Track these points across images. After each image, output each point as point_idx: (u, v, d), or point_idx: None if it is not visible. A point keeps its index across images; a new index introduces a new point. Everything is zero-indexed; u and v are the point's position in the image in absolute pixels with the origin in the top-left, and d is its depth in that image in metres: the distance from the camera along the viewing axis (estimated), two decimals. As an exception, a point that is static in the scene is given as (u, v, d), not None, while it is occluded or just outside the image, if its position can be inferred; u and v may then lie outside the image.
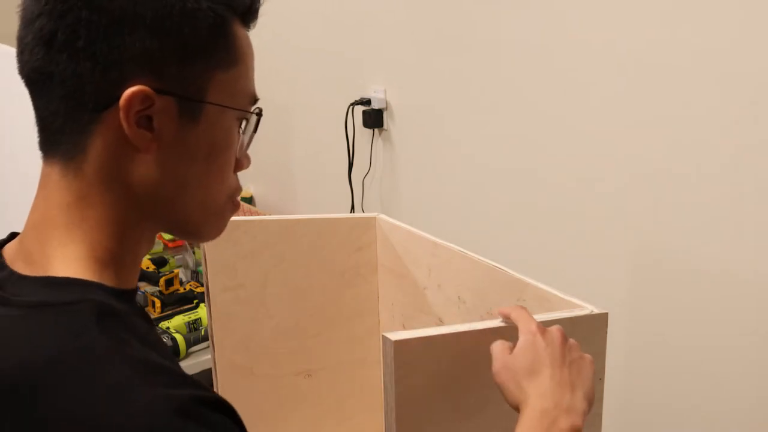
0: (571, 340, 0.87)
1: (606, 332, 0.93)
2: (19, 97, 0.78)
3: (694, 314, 1.54)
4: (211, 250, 1.25)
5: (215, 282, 1.26)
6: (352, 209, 2.33)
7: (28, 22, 0.68)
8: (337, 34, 2.32)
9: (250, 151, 0.79)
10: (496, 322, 0.89)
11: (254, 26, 0.74)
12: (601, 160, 1.64)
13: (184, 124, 0.69)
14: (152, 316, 2.45)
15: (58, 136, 0.69)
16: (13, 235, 0.77)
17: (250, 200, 2.88)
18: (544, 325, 0.86)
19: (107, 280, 0.70)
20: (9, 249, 0.75)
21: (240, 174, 0.79)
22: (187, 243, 2.85)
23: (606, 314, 0.92)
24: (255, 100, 0.75)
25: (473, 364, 0.86)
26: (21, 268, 0.71)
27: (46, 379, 0.61)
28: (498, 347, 0.86)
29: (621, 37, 1.55)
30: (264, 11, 0.76)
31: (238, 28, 0.72)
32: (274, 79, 2.66)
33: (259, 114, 0.76)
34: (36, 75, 0.68)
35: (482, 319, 1.12)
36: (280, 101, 2.65)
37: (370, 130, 2.23)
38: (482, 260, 1.12)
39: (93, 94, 0.67)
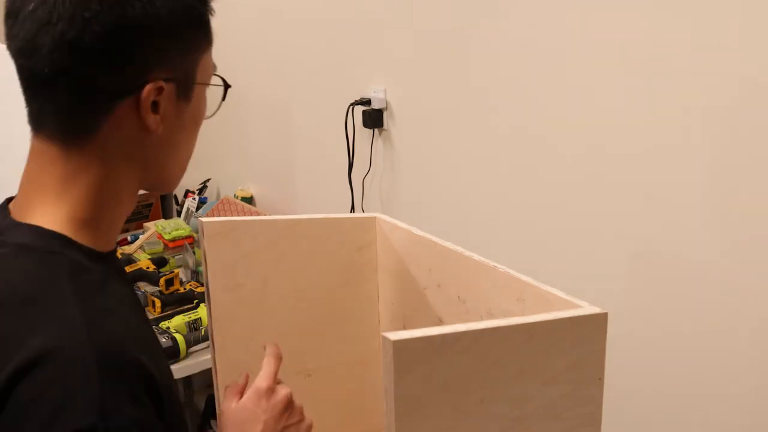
0: (297, 405, 1.01)
1: (606, 332, 0.93)
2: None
3: (694, 314, 1.54)
4: (211, 250, 1.25)
5: (215, 282, 1.26)
6: (352, 209, 2.33)
7: (43, 24, 0.76)
8: (338, 34, 2.32)
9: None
10: (496, 322, 0.89)
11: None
12: (601, 160, 1.64)
13: (180, 103, 0.84)
14: (152, 316, 2.45)
15: (62, 120, 0.80)
16: (11, 199, 0.89)
17: (250, 200, 2.88)
18: (544, 326, 0.87)
19: (85, 240, 0.83)
20: (13, 204, 0.87)
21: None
22: (186, 243, 2.85)
23: (606, 314, 0.92)
24: (215, 67, 0.91)
25: (473, 364, 0.86)
26: (21, 218, 0.83)
27: (17, 307, 0.76)
28: (231, 390, 1.00)
29: (620, 37, 1.55)
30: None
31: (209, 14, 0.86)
32: (275, 80, 2.66)
33: (228, 86, 0.92)
34: (52, 73, 0.77)
35: (482, 319, 1.12)
36: (281, 101, 2.65)
37: (370, 130, 2.23)
38: (482, 260, 1.12)
39: (109, 86, 0.79)
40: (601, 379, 0.94)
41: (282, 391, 1.00)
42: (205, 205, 3.05)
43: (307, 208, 2.67)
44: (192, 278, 2.69)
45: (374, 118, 2.18)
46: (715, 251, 1.48)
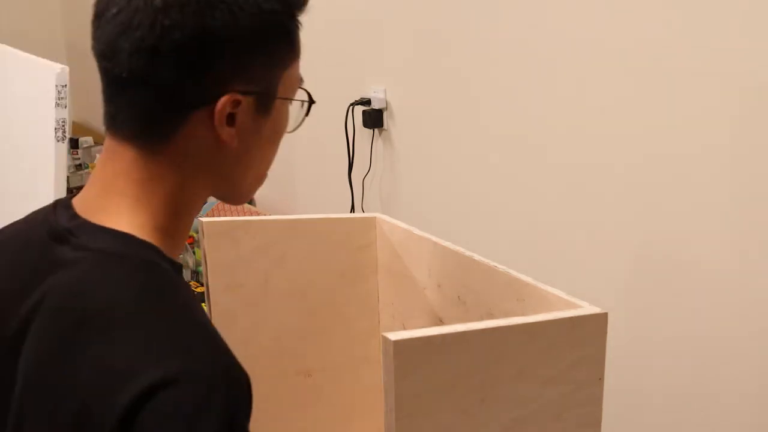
0: None
1: (606, 332, 0.93)
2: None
3: (694, 314, 1.54)
4: (211, 250, 1.25)
5: (215, 282, 1.26)
6: (352, 209, 2.33)
7: (124, 28, 0.75)
8: (337, 34, 2.32)
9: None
10: (496, 322, 0.89)
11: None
12: (601, 159, 1.64)
13: (258, 117, 0.81)
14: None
15: (138, 124, 0.78)
16: (71, 194, 0.86)
17: (250, 200, 2.88)
18: (544, 326, 0.88)
19: (165, 250, 0.80)
20: (77, 203, 0.83)
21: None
22: (186, 243, 2.85)
23: (606, 314, 0.92)
24: (302, 80, 0.86)
25: (473, 364, 0.86)
26: (95, 219, 0.79)
27: (120, 317, 0.72)
28: None
29: (620, 37, 1.55)
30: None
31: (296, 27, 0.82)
32: (274, 79, 2.66)
33: (312, 102, 0.88)
34: (130, 77, 0.76)
35: (482, 319, 1.12)
36: (280, 101, 2.65)
37: (370, 130, 2.23)
38: (482, 260, 1.12)
39: (184, 96, 0.77)
40: (601, 379, 0.94)
41: None
42: (205, 205, 3.05)
43: (307, 208, 2.67)
44: (192, 278, 2.69)
45: (374, 118, 2.18)
46: (714, 251, 1.48)
